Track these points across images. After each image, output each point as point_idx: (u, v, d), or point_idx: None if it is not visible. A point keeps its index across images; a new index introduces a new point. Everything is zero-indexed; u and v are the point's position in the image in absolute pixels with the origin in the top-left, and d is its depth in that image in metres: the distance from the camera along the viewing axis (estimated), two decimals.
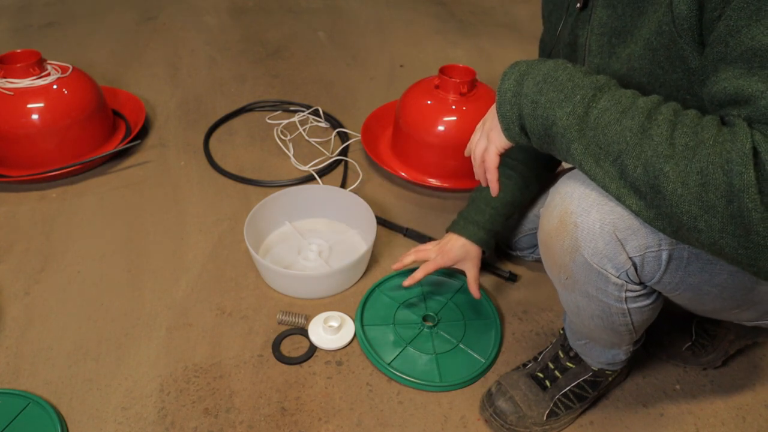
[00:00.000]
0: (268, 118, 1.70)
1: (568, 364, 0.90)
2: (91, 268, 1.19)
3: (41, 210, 1.34)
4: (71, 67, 1.47)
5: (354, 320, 1.06)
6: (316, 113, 1.70)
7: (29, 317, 1.08)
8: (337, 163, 1.50)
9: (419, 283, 1.11)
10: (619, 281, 0.66)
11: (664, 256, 0.63)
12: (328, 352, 1.02)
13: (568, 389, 0.89)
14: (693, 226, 0.52)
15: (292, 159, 1.51)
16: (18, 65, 1.37)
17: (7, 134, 1.37)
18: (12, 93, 1.36)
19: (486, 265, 1.18)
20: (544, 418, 0.88)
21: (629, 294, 0.68)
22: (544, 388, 0.90)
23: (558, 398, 0.89)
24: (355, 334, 1.04)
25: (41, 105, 1.37)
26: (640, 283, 0.68)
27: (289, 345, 1.04)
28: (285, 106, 1.75)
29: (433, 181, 1.40)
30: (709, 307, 0.72)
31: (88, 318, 1.08)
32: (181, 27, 2.29)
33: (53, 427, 0.88)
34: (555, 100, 0.59)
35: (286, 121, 1.67)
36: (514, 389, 0.90)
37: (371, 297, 1.11)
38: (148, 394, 0.95)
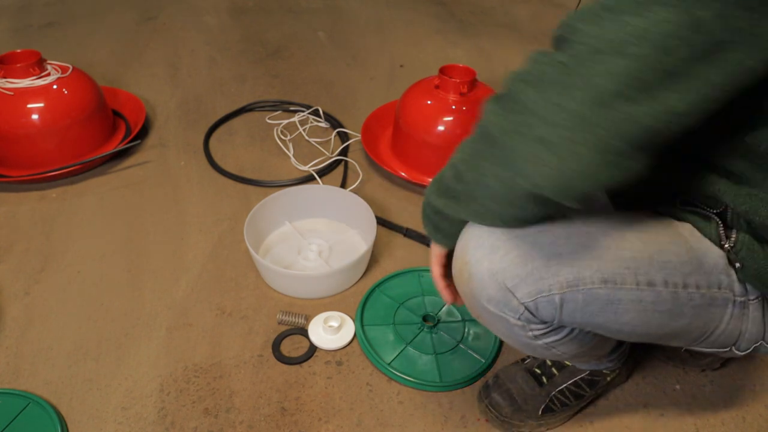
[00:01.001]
0: (268, 118, 1.70)
1: (565, 362, 0.90)
2: (91, 268, 1.19)
3: (41, 210, 1.34)
4: (71, 67, 1.47)
5: (354, 320, 1.06)
6: (316, 113, 1.70)
7: (29, 317, 1.08)
8: (337, 163, 1.50)
9: (419, 283, 1.12)
10: (520, 323, 0.67)
11: (557, 299, 0.63)
12: (328, 352, 1.02)
13: (565, 386, 0.89)
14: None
15: (292, 159, 1.51)
16: (18, 65, 1.37)
17: (7, 134, 1.37)
18: (12, 93, 1.36)
19: None
20: (540, 412, 0.88)
21: (536, 332, 0.68)
22: (541, 384, 0.90)
23: (554, 394, 0.89)
24: (355, 334, 1.04)
25: (41, 105, 1.37)
26: (544, 323, 0.68)
27: (289, 345, 1.04)
28: (285, 106, 1.75)
29: None
30: (632, 339, 0.72)
31: (88, 318, 1.08)
32: (181, 27, 2.29)
33: (53, 427, 0.88)
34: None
35: (286, 121, 1.67)
36: (511, 382, 0.90)
37: (371, 297, 1.11)
38: (148, 394, 0.95)
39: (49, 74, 1.41)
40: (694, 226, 0.68)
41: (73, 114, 1.41)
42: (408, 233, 1.27)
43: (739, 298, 0.68)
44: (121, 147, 1.48)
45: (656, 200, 0.72)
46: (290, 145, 1.57)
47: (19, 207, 1.35)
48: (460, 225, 0.69)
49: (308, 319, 1.07)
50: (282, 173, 1.47)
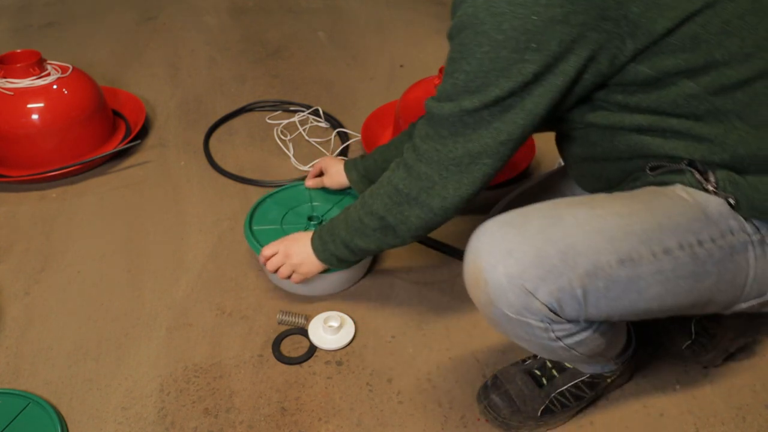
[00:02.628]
0: (268, 118, 1.70)
1: (566, 364, 0.90)
2: (91, 268, 1.19)
3: (41, 210, 1.34)
4: (71, 67, 1.47)
5: (243, 226, 1.14)
6: (316, 113, 1.70)
7: (29, 317, 1.08)
8: None
9: (308, 195, 1.24)
10: (542, 325, 0.67)
11: (579, 293, 0.64)
12: (328, 352, 1.02)
13: (565, 388, 0.89)
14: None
15: (292, 159, 1.51)
16: (18, 65, 1.37)
17: (7, 134, 1.37)
18: (12, 93, 1.36)
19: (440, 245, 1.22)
20: (539, 414, 0.88)
21: (559, 333, 0.69)
22: (541, 385, 0.90)
23: (554, 396, 0.89)
24: (355, 335, 1.05)
25: (41, 105, 1.37)
26: (569, 322, 0.68)
27: (289, 345, 1.04)
28: (285, 106, 1.75)
29: None
30: (664, 314, 0.72)
31: (88, 318, 1.08)
32: (181, 27, 2.29)
33: (53, 427, 0.88)
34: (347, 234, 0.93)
35: (286, 121, 1.67)
36: (509, 383, 0.90)
37: (261, 205, 1.20)
38: (148, 394, 0.95)
39: (49, 74, 1.41)
40: (680, 183, 0.70)
41: (73, 114, 1.42)
42: None
43: (755, 237, 0.68)
44: (121, 147, 1.48)
45: (630, 178, 0.77)
46: (290, 145, 1.57)
47: (19, 207, 1.35)
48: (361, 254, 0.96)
49: (308, 319, 1.07)
50: (282, 173, 1.47)
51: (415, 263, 1.20)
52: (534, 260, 0.64)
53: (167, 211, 1.34)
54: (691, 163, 0.70)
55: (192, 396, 0.95)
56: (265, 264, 1.04)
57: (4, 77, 1.37)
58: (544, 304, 0.64)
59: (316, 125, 1.66)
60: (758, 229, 0.68)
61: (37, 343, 1.03)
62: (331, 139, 1.60)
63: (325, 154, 1.53)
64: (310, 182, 1.23)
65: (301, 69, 1.98)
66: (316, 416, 0.92)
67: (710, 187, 0.68)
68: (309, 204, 1.22)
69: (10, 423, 0.88)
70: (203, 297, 1.13)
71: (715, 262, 0.66)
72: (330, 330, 1.03)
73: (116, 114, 1.63)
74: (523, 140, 0.74)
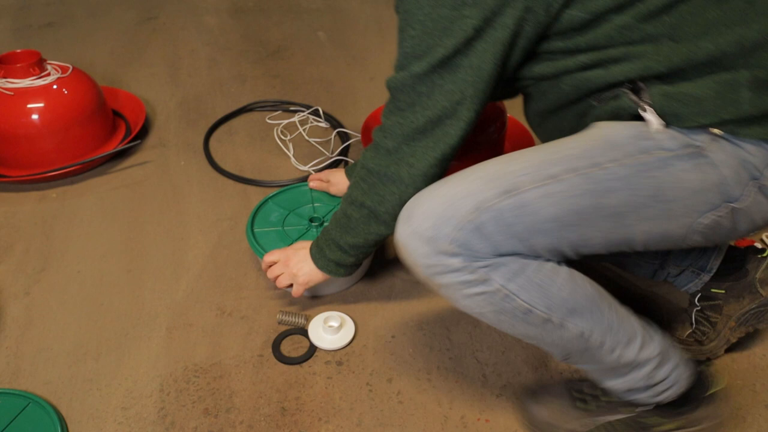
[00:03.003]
0: (268, 118, 1.70)
1: (609, 393, 0.86)
2: (91, 268, 1.19)
3: (41, 210, 1.34)
4: (71, 67, 1.47)
5: (245, 229, 1.14)
6: (316, 113, 1.70)
7: (29, 317, 1.08)
8: (337, 163, 1.50)
9: (310, 196, 1.25)
10: (462, 264, 0.69)
11: (472, 226, 0.68)
12: (328, 352, 1.03)
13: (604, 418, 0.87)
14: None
15: (292, 159, 1.51)
16: (18, 65, 1.37)
17: (7, 134, 1.37)
18: (12, 93, 1.36)
19: None
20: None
21: (483, 271, 0.69)
22: (585, 409, 0.88)
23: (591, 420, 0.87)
24: (355, 335, 1.05)
25: (41, 105, 1.37)
26: (484, 258, 0.69)
27: (289, 345, 1.04)
28: (285, 106, 1.75)
29: None
30: (588, 236, 0.71)
31: (88, 318, 1.08)
32: (181, 27, 2.29)
33: (53, 427, 0.88)
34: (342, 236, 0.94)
35: (286, 121, 1.67)
36: (552, 397, 0.90)
37: (263, 207, 1.20)
38: (148, 394, 0.95)
39: (49, 74, 1.41)
40: (608, 118, 0.74)
41: (73, 114, 1.41)
42: None
43: (682, 150, 0.69)
44: (121, 147, 1.48)
45: (583, 121, 0.78)
46: (290, 145, 1.57)
47: (19, 207, 1.35)
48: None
49: (308, 319, 1.07)
50: (282, 173, 1.47)
51: None
52: (426, 213, 0.70)
53: (167, 211, 1.34)
54: (630, 86, 0.72)
55: (192, 396, 0.95)
56: (266, 270, 1.05)
57: (4, 77, 1.37)
58: (449, 243, 0.68)
59: (316, 125, 1.66)
60: (693, 143, 0.69)
61: (37, 343, 1.03)
62: (331, 139, 1.60)
63: (325, 154, 1.53)
64: (313, 183, 1.24)
65: (301, 69, 1.98)
66: (316, 416, 0.92)
67: (646, 105, 0.70)
68: (311, 205, 1.22)
69: (10, 423, 0.88)
70: (203, 297, 1.13)
71: (619, 178, 0.69)
72: (330, 330, 1.03)
73: (116, 114, 1.63)
74: (481, 100, 0.76)
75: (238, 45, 2.15)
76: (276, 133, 1.62)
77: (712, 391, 0.84)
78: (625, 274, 1.11)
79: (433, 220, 0.69)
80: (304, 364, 1.00)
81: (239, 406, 0.94)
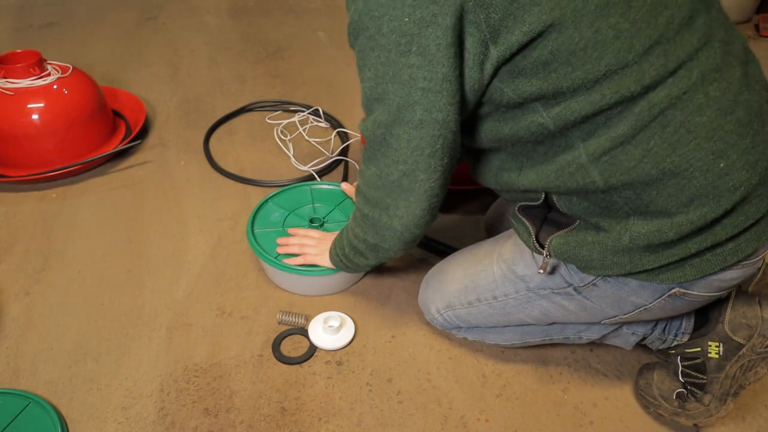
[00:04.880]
0: (268, 118, 1.70)
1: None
2: (91, 268, 1.19)
3: (41, 210, 1.34)
4: (71, 67, 1.47)
5: (246, 229, 1.15)
6: (316, 113, 1.70)
7: (29, 317, 1.08)
8: (337, 162, 1.50)
9: (310, 196, 1.25)
10: (446, 324, 1.00)
11: (447, 314, 0.98)
12: (328, 352, 1.03)
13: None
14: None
15: (292, 159, 1.51)
16: (18, 65, 1.37)
17: (7, 134, 1.37)
18: (12, 93, 1.36)
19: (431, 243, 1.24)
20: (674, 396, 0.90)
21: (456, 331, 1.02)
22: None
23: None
24: (355, 335, 1.05)
25: (41, 105, 1.37)
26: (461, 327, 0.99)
27: (289, 345, 1.04)
28: (285, 106, 1.75)
29: None
30: (514, 324, 0.95)
31: (88, 318, 1.08)
32: (181, 27, 2.29)
33: (53, 427, 0.88)
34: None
35: (286, 121, 1.67)
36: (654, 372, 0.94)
37: (263, 207, 1.20)
38: (148, 394, 0.95)
39: (49, 74, 1.41)
40: (518, 235, 0.85)
41: (73, 114, 1.42)
42: None
43: (560, 290, 0.83)
44: (121, 147, 1.48)
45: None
46: (290, 145, 1.57)
47: (19, 207, 1.35)
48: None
49: (308, 319, 1.07)
50: (282, 173, 1.47)
51: (415, 263, 1.21)
52: (424, 302, 1.02)
53: (167, 211, 1.34)
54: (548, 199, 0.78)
55: (192, 396, 0.95)
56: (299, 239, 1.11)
57: (5, 77, 1.37)
58: (438, 314, 0.99)
59: (316, 125, 1.66)
60: (569, 286, 0.82)
61: (37, 343, 1.03)
62: (331, 138, 1.60)
63: (325, 154, 1.53)
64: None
65: (301, 69, 1.98)
66: (316, 416, 0.92)
67: (544, 246, 0.79)
68: (311, 205, 1.22)
69: (10, 423, 0.88)
70: (203, 297, 1.13)
71: (514, 305, 0.89)
72: (330, 330, 1.03)
73: (116, 114, 1.63)
74: (448, 149, 0.75)
75: (238, 45, 2.15)
76: (276, 133, 1.62)
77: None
78: None
79: (427, 308, 1.01)
80: (304, 364, 1.00)
81: (239, 406, 0.94)
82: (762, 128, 0.68)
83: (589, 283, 0.80)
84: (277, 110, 1.74)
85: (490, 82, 0.70)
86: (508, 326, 0.96)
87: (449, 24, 0.64)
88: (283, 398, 0.95)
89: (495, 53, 0.66)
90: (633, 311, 0.81)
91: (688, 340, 0.91)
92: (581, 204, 0.74)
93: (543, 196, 0.77)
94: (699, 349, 0.89)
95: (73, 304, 1.11)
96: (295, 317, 1.06)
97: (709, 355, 0.87)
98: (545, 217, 0.81)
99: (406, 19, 0.65)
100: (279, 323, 1.07)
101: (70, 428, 0.90)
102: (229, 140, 1.60)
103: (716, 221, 0.68)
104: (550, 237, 0.78)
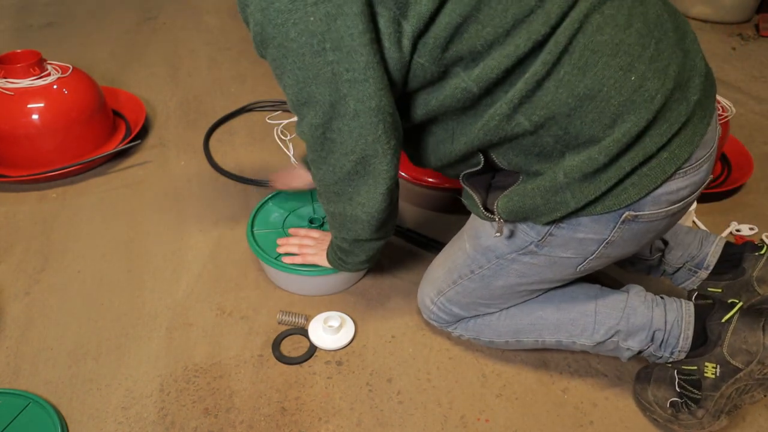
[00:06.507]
0: (268, 118, 1.70)
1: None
2: (91, 268, 1.19)
3: (41, 210, 1.34)
4: (71, 67, 1.47)
5: (246, 230, 1.15)
6: None
7: (29, 317, 1.08)
8: None
9: (310, 196, 1.25)
10: (443, 318, 1.01)
11: (441, 299, 0.99)
12: (328, 352, 1.03)
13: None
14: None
15: (292, 159, 1.51)
16: (18, 65, 1.37)
17: (7, 134, 1.37)
18: (12, 93, 1.36)
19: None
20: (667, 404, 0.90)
21: (451, 327, 1.03)
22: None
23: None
24: (355, 335, 1.05)
25: (41, 105, 1.37)
26: (451, 316, 1.00)
27: (289, 345, 1.04)
28: (285, 106, 1.75)
29: (433, 181, 1.40)
30: (506, 295, 0.94)
31: (88, 318, 1.08)
32: (181, 27, 2.29)
33: (53, 427, 0.88)
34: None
35: (286, 121, 1.67)
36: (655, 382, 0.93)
37: (263, 208, 1.20)
38: (148, 394, 0.95)
39: (49, 74, 1.41)
40: (471, 209, 0.87)
41: (73, 114, 1.42)
42: (408, 233, 1.26)
43: (523, 251, 0.84)
44: (121, 147, 1.48)
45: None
46: (290, 145, 1.57)
47: (19, 207, 1.35)
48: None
49: (308, 319, 1.07)
50: None
51: (414, 264, 1.21)
52: (421, 299, 1.03)
53: (167, 211, 1.34)
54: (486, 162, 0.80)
55: (192, 396, 0.95)
56: (300, 239, 1.12)
57: (5, 77, 1.37)
58: (432, 305, 1.00)
59: None
60: (526, 244, 0.83)
61: (37, 343, 1.03)
62: None
63: None
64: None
65: None
66: (316, 416, 0.92)
67: (494, 211, 0.81)
68: (311, 206, 1.22)
69: (10, 423, 0.88)
70: (203, 297, 1.13)
71: (491, 275, 0.90)
72: (330, 330, 1.03)
73: (116, 114, 1.63)
74: (391, 131, 0.75)
75: (238, 45, 2.15)
76: (276, 133, 1.62)
77: (728, 317, 0.86)
78: (623, 270, 1.11)
79: (421, 299, 1.03)
80: (304, 364, 1.00)
81: (239, 406, 0.94)
82: (664, 36, 0.70)
83: (546, 234, 0.80)
84: (277, 110, 1.74)
85: (411, 59, 0.70)
86: (501, 310, 0.97)
87: (357, 11, 0.64)
88: (283, 398, 0.95)
89: (408, 28, 0.67)
90: (598, 249, 0.80)
91: (685, 358, 0.89)
92: (518, 156, 0.75)
93: (482, 158, 0.78)
94: (695, 367, 0.87)
95: (73, 304, 1.11)
96: (295, 317, 1.06)
97: (706, 374, 0.86)
98: (489, 183, 0.83)
99: (311, 18, 0.65)
100: (279, 323, 1.07)
101: (70, 428, 0.90)
102: (229, 140, 1.60)
103: (642, 134, 0.69)
104: (496, 200, 0.80)
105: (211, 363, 1.00)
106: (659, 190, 0.73)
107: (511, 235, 0.84)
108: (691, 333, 0.88)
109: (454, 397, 0.96)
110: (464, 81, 0.70)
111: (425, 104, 0.76)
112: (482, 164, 0.79)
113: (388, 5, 0.65)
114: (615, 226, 0.77)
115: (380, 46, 0.68)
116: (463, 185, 0.85)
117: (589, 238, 0.79)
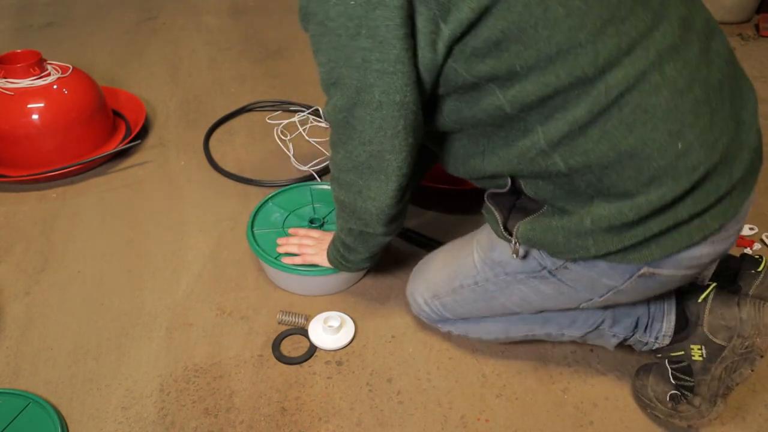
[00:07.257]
0: (268, 118, 1.70)
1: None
2: (91, 268, 1.19)
3: (41, 210, 1.34)
4: (71, 67, 1.47)
5: (246, 230, 1.14)
6: (316, 113, 1.70)
7: (29, 317, 1.08)
8: None
9: (310, 196, 1.25)
10: (434, 316, 1.00)
11: (434, 302, 0.98)
12: (328, 352, 1.03)
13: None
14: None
15: (292, 159, 1.51)
16: (18, 65, 1.37)
17: (7, 134, 1.37)
18: (12, 93, 1.36)
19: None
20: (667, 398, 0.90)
21: (441, 324, 1.01)
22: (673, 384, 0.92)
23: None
24: (355, 335, 1.05)
25: (41, 105, 1.37)
26: (446, 317, 0.99)
27: (289, 345, 1.04)
28: (285, 106, 1.75)
29: (433, 182, 1.40)
30: (500, 313, 0.95)
31: (88, 318, 1.08)
32: (181, 27, 2.29)
33: (53, 427, 0.88)
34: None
35: (286, 121, 1.67)
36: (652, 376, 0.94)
37: (263, 208, 1.20)
38: (148, 394, 0.95)
39: (49, 74, 1.41)
40: (490, 225, 0.86)
41: (73, 114, 1.42)
42: (407, 233, 1.26)
43: (536, 274, 0.83)
44: (121, 147, 1.48)
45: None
46: (290, 145, 1.57)
47: (19, 207, 1.35)
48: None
49: (308, 319, 1.07)
50: (282, 173, 1.47)
51: (414, 264, 1.20)
52: (411, 293, 1.02)
53: (167, 211, 1.34)
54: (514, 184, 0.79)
55: (192, 396, 0.95)
56: (299, 238, 1.11)
57: (5, 77, 1.37)
58: (425, 305, 1.00)
59: (316, 125, 1.66)
60: (542, 269, 0.82)
61: (37, 343, 1.03)
62: None
63: (325, 154, 1.53)
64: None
65: (301, 69, 1.98)
66: (316, 416, 0.92)
67: (511, 232, 0.80)
68: (311, 206, 1.22)
69: (10, 423, 0.88)
70: (203, 297, 1.13)
71: (495, 290, 0.89)
72: (330, 330, 1.03)
73: (116, 114, 1.63)
74: (411, 129, 0.75)
75: (238, 45, 2.15)
76: (276, 133, 1.62)
77: (704, 296, 0.88)
78: None
79: (412, 299, 1.02)
80: (304, 364, 1.00)
81: (239, 406, 0.94)
82: (721, 105, 0.68)
83: (560, 265, 0.80)
84: (277, 110, 1.74)
85: (444, 62, 0.69)
86: (494, 317, 0.96)
87: (397, 4, 0.64)
88: (283, 398, 0.95)
89: (446, 31, 0.66)
90: (607, 293, 0.80)
91: (671, 342, 0.90)
92: (547, 188, 0.74)
93: (509, 182, 0.78)
94: (683, 352, 0.89)
95: (73, 304, 1.11)
96: (295, 317, 1.06)
97: (693, 357, 0.87)
98: (513, 204, 0.81)
99: (352, 3, 0.65)
100: (279, 323, 1.07)
101: (70, 428, 0.90)
102: (229, 140, 1.60)
103: (677, 201, 0.68)
104: (517, 224, 0.79)
105: (211, 363, 1.00)
106: (683, 254, 0.72)
107: (526, 256, 0.83)
108: (673, 317, 0.89)
109: (454, 397, 0.96)
110: (498, 99, 0.69)
111: (457, 111, 0.75)
112: (508, 187, 0.78)
113: (430, 5, 0.64)
114: (630, 278, 0.76)
115: (415, 43, 0.68)
116: (486, 201, 0.84)
117: (602, 282, 0.79)
